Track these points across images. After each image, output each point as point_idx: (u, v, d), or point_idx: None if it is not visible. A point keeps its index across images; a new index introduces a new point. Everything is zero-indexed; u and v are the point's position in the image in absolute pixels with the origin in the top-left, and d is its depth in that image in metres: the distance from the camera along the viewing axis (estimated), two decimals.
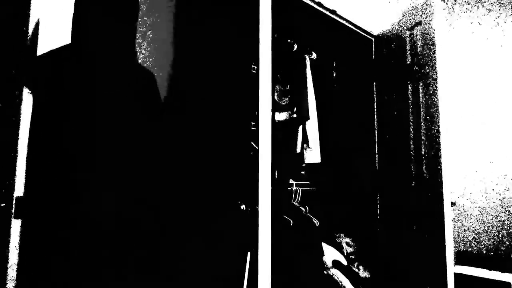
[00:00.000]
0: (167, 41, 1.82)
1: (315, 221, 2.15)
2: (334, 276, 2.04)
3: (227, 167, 1.53)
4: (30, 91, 0.85)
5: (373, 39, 2.65)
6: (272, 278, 1.41)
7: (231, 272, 1.40)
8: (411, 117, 2.28)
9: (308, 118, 2.19)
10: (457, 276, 2.66)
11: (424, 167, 2.14)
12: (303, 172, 2.35)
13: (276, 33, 2.16)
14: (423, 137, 2.16)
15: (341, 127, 2.60)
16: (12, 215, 0.83)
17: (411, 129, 2.26)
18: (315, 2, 2.17)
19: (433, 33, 2.14)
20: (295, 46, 2.27)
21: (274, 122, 2.14)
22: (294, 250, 1.97)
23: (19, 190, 0.87)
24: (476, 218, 3.14)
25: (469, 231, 3.14)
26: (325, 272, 2.06)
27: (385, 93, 2.53)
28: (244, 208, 1.43)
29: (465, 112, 3.33)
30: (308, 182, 2.30)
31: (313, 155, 2.23)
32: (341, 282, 2.03)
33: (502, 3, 3.22)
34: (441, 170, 2.01)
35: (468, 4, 3.39)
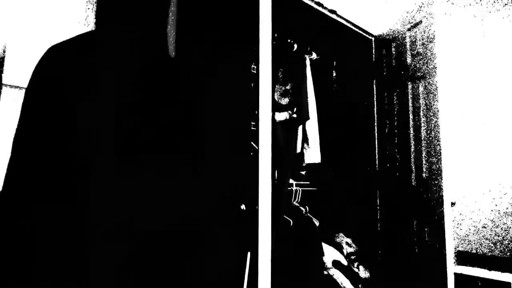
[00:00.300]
0: None
1: (315, 221, 2.14)
2: (334, 276, 2.04)
3: (227, 167, 1.53)
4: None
5: (373, 39, 2.65)
6: (272, 278, 1.41)
7: (231, 272, 1.40)
8: (411, 117, 2.28)
9: (308, 118, 2.19)
10: (457, 276, 2.66)
11: (424, 167, 2.14)
12: (303, 172, 2.35)
13: (276, 33, 2.16)
14: (423, 137, 2.16)
15: (341, 127, 2.60)
16: None
17: (411, 129, 2.26)
18: (315, 2, 2.16)
19: (433, 33, 2.14)
20: (295, 46, 2.27)
21: (274, 122, 2.14)
22: (294, 250, 1.97)
23: None
24: (476, 218, 3.14)
25: (469, 231, 3.14)
26: (325, 272, 2.06)
27: (385, 93, 2.53)
28: (244, 208, 1.43)
29: (465, 112, 3.33)
30: (308, 182, 2.30)
31: (313, 155, 2.23)
32: (341, 282, 2.03)
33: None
34: (441, 170, 2.01)
35: (469, 3, 3.39)
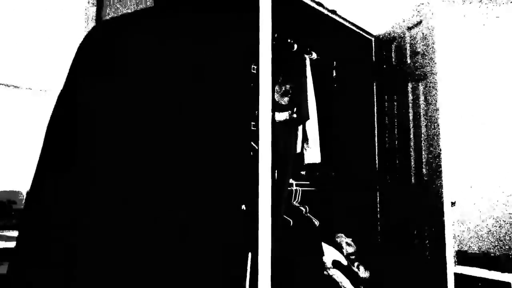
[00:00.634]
0: None
1: (315, 221, 2.14)
2: (334, 276, 2.04)
3: (227, 167, 1.53)
4: None
5: (373, 39, 2.65)
6: (272, 278, 1.41)
7: (232, 272, 1.40)
8: (411, 117, 2.28)
9: (308, 118, 2.19)
10: (457, 276, 2.66)
11: (424, 167, 2.14)
12: (303, 172, 2.35)
13: (276, 33, 2.16)
14: (423, 137, 2.16)
15: (341, 127, 2.60)
16: None
17: (411, 129, 2.26)
18: (315, 2, 2.16)
19: (433, 32, 2.14)
20: (295, 46, 2.27)
21: (274, 122, 2.14)
22: (294, 250, 1.97)
23: None
24: (477, 218, 3.14)
25: (470, 231, 3.14)
26: (325, 272, 2.06)
27: (385, 93, 2.53)
28: (244, 208, 1.43)
29: (466, 112, 3.32)
30: (308, 182, 2.30)
31: (313, 155, 2.22)
32: (341, 282, 2.03)
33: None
34: (441, 169, 2.01)
35: (469, 2, 3.39)
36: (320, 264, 2.08)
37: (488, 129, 3.19)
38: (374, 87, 2.62)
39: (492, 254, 2.99)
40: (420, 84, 2.22)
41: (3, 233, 3.52)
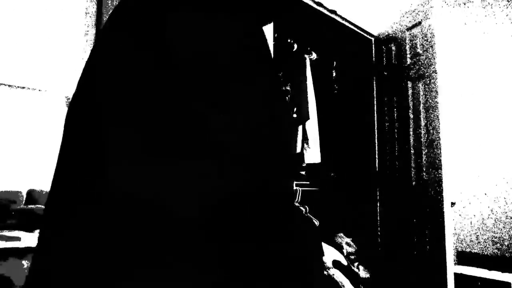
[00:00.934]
0: None
1: (315, 221, 2.14)
2: (334, 276, 2.04)
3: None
4: None
5: (372, 39, 2.65)
6: None
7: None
8: (411, 117, 2.28)
9: (308, 118, 2.19)
10: (457, 276, 2.66)
11: (424, 167, 2.14)
12: (303, 172, 2.35)
13: (276, 33, 2.16)
14: (423, 137, 2.16)
15: (341, 127, 2.60)
16: None
17: (411, 129, 2.26)
18: (315, 2, 2.16)
19: (432, 33, 2.14)
20: (295, 46, 2.27)
21: None
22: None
23: None
24: (477, 218, 3.14)
25: (469, 231, 3.14)
26: (325, 272, 2.06)
27: (385, 93, 2.53)
28: None
29: (466, 111, 3.33)
30: (308, 182, 2.30)
31: (313, 155, 2.22)
32: (341, 282, 2.03)
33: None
34: (441, 170, 2.01)
35: (465, 3, 3.39)
36: (320, 264, 2.08)
37: (489, 129, 3.20)
38: (374, 87, 2.62)
39: (492, 254, 2.99)
40: (420, 83, 2.22)
41: (3, 233, 3.52)
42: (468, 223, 3.16)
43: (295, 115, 2.22)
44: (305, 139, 2.22)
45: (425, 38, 2.19)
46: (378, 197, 2.49)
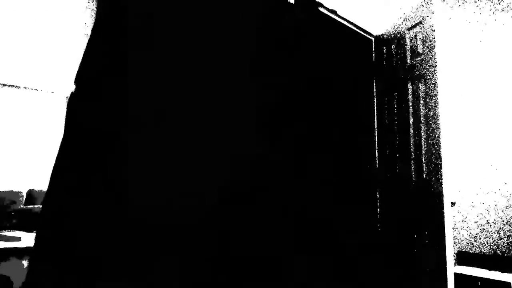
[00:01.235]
0: None
1: None
2: None
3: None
4: None
5: (373, 39, 2.65)
6: None
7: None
8: (411, 117, 2.28)
9: None
10: (457, 276, 2.66)
11: (424, 167, 2.14)
12: None
13: None
14: (423, 137, 2.16)
15: (341, 127, 2.60)
16: None
17: (411, 129, 2.26)
18: (315, 2, 2.16)
19: (433, 33, 2.14)
20: None
21: None
22: None
23: None
24: (476, 218, 3.14)
25: (470, 231, 3.14)
26: None
27: (385, 93, 2.53)
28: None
29: (466, 111, 3.33)
30: None
31: None
32: None
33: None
34: (441, 169, 2.01)
35: (464, 3, 3.39)
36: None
37: (489, 129, 3.20)
38: (374, 87, 2.62)
39: (492, 254, 2.99)
40: (420, 84, 2.22)
41: (3, 233, 3.52)
42: (468, 222, 3.16)
43: None
44: None
45: (426, 38, 2.19)
46: (378, 196, 2.49)
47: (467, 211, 3.19)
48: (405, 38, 2.36)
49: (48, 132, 6.03)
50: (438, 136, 2.05)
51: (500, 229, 3.03)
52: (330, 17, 2.27)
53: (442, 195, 1.99)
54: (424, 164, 2.14)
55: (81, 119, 0.53)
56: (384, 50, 2.56)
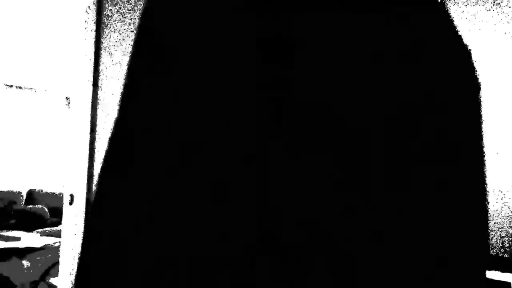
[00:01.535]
0: None
1: None
2: None
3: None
4: None
5: None
6: None
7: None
8: None
9: None
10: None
11: None
12: None
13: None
14: None
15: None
16: None
17: None
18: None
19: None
20: None
21: None
22: None
23: None
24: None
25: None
26: None
27: None
28: None
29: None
30: None
31: None
32: None
33: None
34: None
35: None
36: None
37: (490, 129, 3.20)
38: None
39: (491, 254, 2.99)
40: None
41: (3, 233, 3.52)
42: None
43: None
44: None
45: None
46: None
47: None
48: None
49: (48, 132, 6.03)
50: None
51: (501, 228, 3.03)
52: None
53: None
54: None
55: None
56: None
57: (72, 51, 4.43)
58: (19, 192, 5.03)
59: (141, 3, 1.87)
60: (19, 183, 5.78)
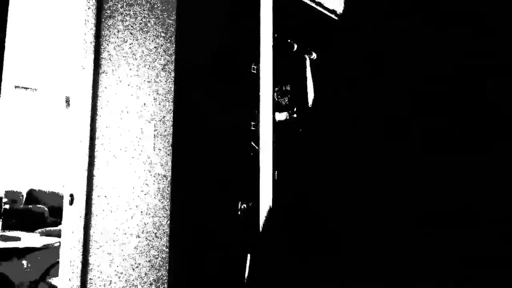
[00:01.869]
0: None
1: None
2: None
3: (227, 167, 1.54)
4: None
5: None
6: None
7: (232, 272, 1.40)
8: None
9: None
10: None
11: None
12: None
13: (276, 33, 2.16)
14: None
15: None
16: None
17: None
18: (315, 2, 2.17)
19: None
20: (295, 46, 2.27)
21: (274, 122, 2.14)
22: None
23: None
24: None
25: None
26: None
27: None
28: (245, 207, 1.43)
29: None
30: None
31: None
32: None
33: None
34: None
35: None
36: None
37: None
38: None
39: None
40: None
41: (3, 233, 3.52)
42: None
43: (295, 115, 2.22)
44: None
45: None
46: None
47: None
48: None
49: (48, 132, 6.03)
50: None
51: None
52: (330, 17, 2.27)
53: None
54: None
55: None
56: None
57: (72, 50, 4.43)
58: (19, 192, 5.03)
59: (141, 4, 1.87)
60: (19, 183, 5.78)
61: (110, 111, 1.90)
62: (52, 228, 3.72)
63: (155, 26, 1.56)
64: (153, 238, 1.38)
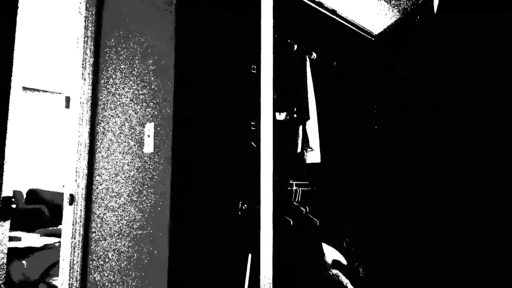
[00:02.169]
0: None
1: (315, 221, 2.15)
2: (335, 276, 2.04)
3: (227, 167, 1.54)
4: None
5: (373, 39, 2.65)
6: (274, 277, 1.41)
7: (232, 273, 1.40)
8: None
9: (308, 118, 2.19)
10: None
11: None
12: (303, 172, 2.35)
13: (276, 33, 2.16)
14: None
15: (341, 127, 2.60)
16: None
17: None
18: (315, 2, 2.17)
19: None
20: (295, 46, 2.27)
21: (274, 122, 2.14)
22: (295, 250, 1.98)
23: None
24: None
25: None
26: (328, 272, 2.07)
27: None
28: (245, 208, 1.43)
29: None
30: (308, 182, 2.30)
31: (313, 155, 2.23)
32: (343, 282, 2.03)
33: None
34: None
35: None
36: (323, 263, 2.08)
37: None
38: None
39: None
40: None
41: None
42: None
43: (295, 115, 2.22)
44: (305, 139, 2.22)
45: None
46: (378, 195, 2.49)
47: None
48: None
49: (48, 132, 6.03)
50: None
51: None
52: (330, 17, 2.27)
53: None
54: None
55: None
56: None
57: (72, 51, 4.42)
58: (19, 191, 5.02)
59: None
60: (19, 183, 5.77)
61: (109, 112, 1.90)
62: (52, 228, 3.72)
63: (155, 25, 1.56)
64: (152, 236, 1.38)
